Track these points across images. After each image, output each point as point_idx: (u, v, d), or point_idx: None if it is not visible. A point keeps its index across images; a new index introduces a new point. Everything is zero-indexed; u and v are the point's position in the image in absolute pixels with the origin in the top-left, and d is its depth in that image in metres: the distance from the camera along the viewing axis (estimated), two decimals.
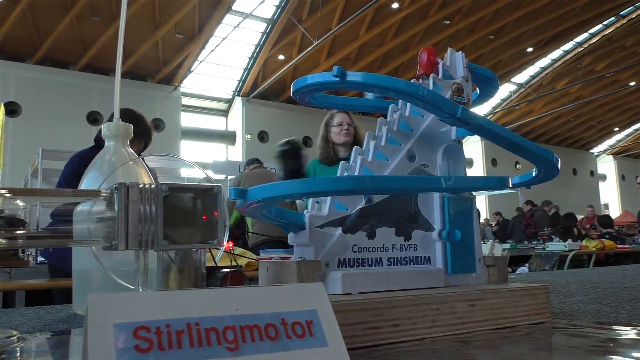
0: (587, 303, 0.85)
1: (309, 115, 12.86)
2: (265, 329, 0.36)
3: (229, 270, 0.59)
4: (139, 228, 0.46)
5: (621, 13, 14.80)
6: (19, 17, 9.97)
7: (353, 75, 0.55)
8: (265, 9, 11.73)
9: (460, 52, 0.71)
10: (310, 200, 0.61)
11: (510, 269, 2.14)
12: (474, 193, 0.69)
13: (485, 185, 0.67)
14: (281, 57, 12.82)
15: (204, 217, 0.50)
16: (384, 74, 0.61)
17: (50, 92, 11.10)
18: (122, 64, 0.76)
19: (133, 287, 0.49)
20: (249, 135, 13.92)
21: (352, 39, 12.65)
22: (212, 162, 8.81)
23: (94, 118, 11.24)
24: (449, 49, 0.72)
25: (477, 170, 17.07)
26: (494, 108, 17.03)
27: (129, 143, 0.77)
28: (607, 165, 22.79)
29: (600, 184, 22.34)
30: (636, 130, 21.93)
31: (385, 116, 0.68)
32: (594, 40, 15.57)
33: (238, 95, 14.03)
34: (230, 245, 0.67)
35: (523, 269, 5.34)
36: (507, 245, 6.52)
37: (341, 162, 0.65)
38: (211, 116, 14.40)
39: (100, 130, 0.76)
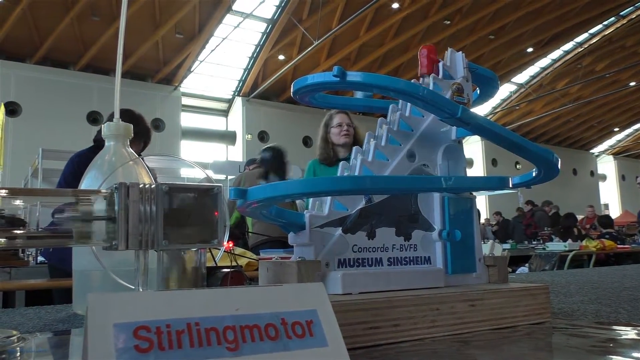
0: (587, 303, 0.85)
1: (309, 115, 12.86)
2: (265, 329, 0.36)
3: (229, 270, 0.59)
4: (139, 228, 0.46)
5: (621, 13, 14.80)
6: (19, 17, 9.97)
7: (353, 76, 0.55)
8: (266, 9, 11.73)
9: (461, 52, 0.71)
10: (311, 200, 0.61)
11: (510, 269, 2.13)
12: (474, 193, 0.69)
13: (486, 185, 0.67)
14: (281, 57, 12.82)
15: (204, 217, 0.50)
16: (384, 74, 0.61)
17: (51, 92, 11.10)
18: (122, 64, 0.76)
19: (133, 287, 0.49)
20: (249, 135, 13.92)
21: (352, 39, 12.65)
22: (212, 162, 8.82)
23: (94, 118, 11.24)
24: (449, 49, 0.72)
25: (477, 170, 17.07)
26: (494, 108, 17.03)
27: (129, 143, 0.77)
28: (607, 166, 22.78)
29: (601, 184, 22.33)
30: (636, 130, 21.93)
31: (385, 116, 0.68)
32: (594, 41, 15.57)
33: (238, 95, 14.04)
34: (231, 245, 0.67)
35: (523, 269, 5.34)
36: (507, 245, 6.52)
37: (341, 162, 0.65)
38: (211, 116, 14.40)
39: (99, 131, 0.76)
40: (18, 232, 0.46)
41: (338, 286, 0.54)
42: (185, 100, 13.54)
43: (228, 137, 14.25)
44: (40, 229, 0.48)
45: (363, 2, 9.95)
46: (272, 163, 3.31)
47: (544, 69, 16.63)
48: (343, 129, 2.80)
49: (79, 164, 2.27)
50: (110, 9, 10.21)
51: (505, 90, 16.82)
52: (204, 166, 0.67)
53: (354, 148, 0.65)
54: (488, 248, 2.86)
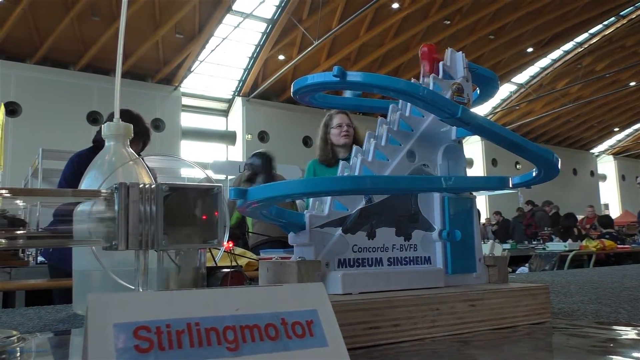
0: (587, 303, 0.85)
1: (309, 115, 12.86)
2: (265, 329, 0.36)
3: (229, 270, 0.59)
4: (139, 228, 0.46)
5: (621, 13, 14.80)
6: (19, 17, 9.97)
7: (353, 76, 0.55)
8: (266, 9, 11.73)
9: (461, 52, 0.71)
10: (311, 200, 0.61)
11: (510, 269, 2.13)
12: (474, 193, 0.69)
13: (486, 185, 0.66)
14: (281, 57, 12.82)
15: (204, 217, 0.50)
16: (384, 74, 0.61)
17: (51, 92, 11.10)
18: (122, 64, 0.76)
19: (133, 287, 0.49)
20: (249, 135, 13.92)
21: (352, 39, 12.66)
22: (212, 162, 8.81)
23: (94, 118, 11.25)
24: (449, 49, 0.72)
25: (477, 170, 17.07)
26: (494, 108, 17.03)
27: (129, 143, 0.77)
28: (607, 166, 22.79)
29: (601, 184, 22.34)
30: (636, 130, 21.93)
31: (385, 116, 0.68)
32: (594, 41, 15.57)
33: (238, 95, 14.04)
34: (231, 245, 0.67)
35: (523, 269, 5.34)
36: (507, 245, 6.52)
37: (341, 162, 0.65)
38: (211, 116, 14.40)
39: (98, 132, 0.76)
40: (18, 232, 0.46)
41: (338, 286, 0.54)
42: (185, 100, 13.54)
43: (228, 137, 14.25)
44: (40, 229, 0.48)
45: (363, 2, 9.95)
46: (261, 169, 3.34)
47: (544, 69, 16.63)
48: (343, 129, 2.79)
49: (79, 164, 2.27)
50: (110, 9, 10.22)
51: (505, 90, 16.83)
52: (204, 166, 0.67)
53: (354, 148, 0.65)
54: (488, 248, 2.86)
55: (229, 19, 11.57)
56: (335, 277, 0.55)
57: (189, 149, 13.48)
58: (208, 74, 13.32)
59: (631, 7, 14.41)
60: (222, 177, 7.65)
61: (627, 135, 22.42)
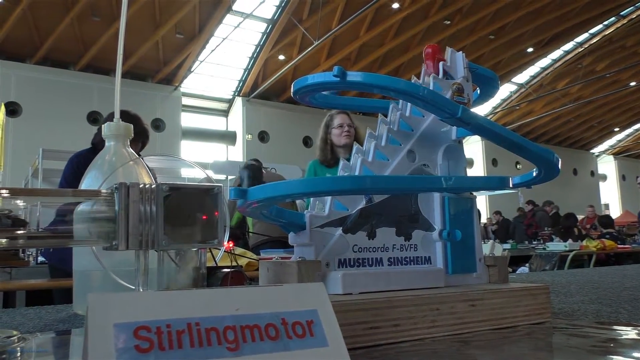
0: (587, 303, 0.85)
1: (309, 115, 12.86)
2: (265, 329, 0.36)
3: (229, 270, 0.59)
4: (140, 228, 0.46)
5: (622, 13, 14.80)
6: (19, 18, 9.97)
7: (353, 76, 0.55)
8: (266, 9, 11.73)
9: (461, 52, 0.71)
10: (311, 200, 0.61)
11: (510, 269, 2.13)
12: (475, 193, 0.69)
13: (486, 185, 0.66)
14: (281, 57, 12.82)
15: (204, 217, 0.50)
16: (384, 74, 0.61)
17: (51, 92, 11.11)
18: (122, 64, 0.76)
19: (133, 287, 0.49)
20: (249, 136, 13.93)
21: (352, 39, 12.66)
22: (212, 162, 8.81)
23: (94, 118, 11.25)
24: (450, 49, 0.72)
25: (477, 170, 17.07)
26: (495, 108, 17.03)
27: (129, 143, 0.77)
28: (607, 166, 22.79)
29: (601, 184, 22.34)
30: (637, 130, 21.93)
31: (385, 116, 0.68)
32: (595, 41, 15.57)
33: (238, 95, 14.04)
34: (231, 245, 0.67)
35: (523, 269, 5.34)
36: (507, 245, 6.52)
37: (341, 162, 0.65)
38: (211, 116, 14.41)
39: (96, 134, 0.76)
40: (19, 232, 0.46)
41: (338, 286, 0.54)
42: (186, 101, 13.54)
43: (228, 137, 14.26)
44: (40, 229, 0.48)
45: (363, 2, 9.95)
46: (247, 183, 3.32)
47: (544, 69, 16.63)
48: (344, 129, 2.77)
49: (79, 164, 2.27)
50: (111, 9, 10.22)
51: (505, 90, 16.83)
52: (204, 166, 0.67)
53: (354, 147, 0.65)
54: (488, 248, 2.86)
55: (229, 19, 11.58)
56: (336, 277, 0.55)
57: (189, 149, 13.48)
58: (208, 74, 13.32)
59: (631, 7, 14.41)
60: (222, 177, 7.65)
61: (628, 135, 22.42)
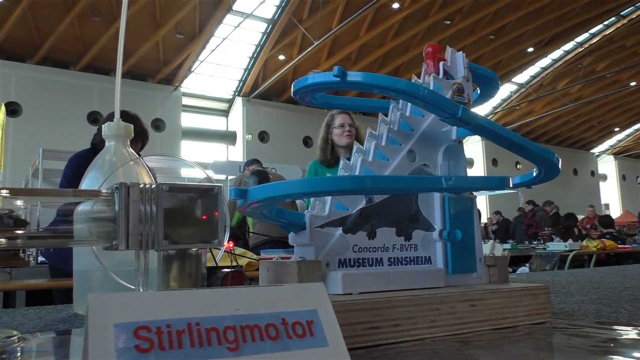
0: (587, 303, 0.85)
1: (309, 115, 12.86)
2: (265, 329, 0.36)
3: (229, 270, 0.59)
4: (140, 228, 0.46)
5: (622, 13, 14.79)
6: (19, 18, 9.97)
7: (353, 75, 0.55)
8: (266, 9, 11.73)
9: (461, 52, 0.71)
10: (311, 200, 0.61)
11: (510, 269, 2.13)
12: (475, 193, 0.69)
13: (486, 185, 0.66)
14: (282, 57, 12.82)
15: (204, 217, 0.50)
16: (384, 74, 0.61)
17: (51, 92, 11.11)
18: (122, 64, 0.76)
19: (133, 287, 0.49)
20: (249, 136, 13.93)
21: (352, 39, 12.65)
22: (212, 162, 8.81)
23: (94, 118, 11.25)
24: (450, 49, 0.72)
25: (477, 170, 17.07)
26: (495, 108, 17.02)
27: (129, 143, 0.77)
28: (607, 165, 22.78)
29: (601, 184, 22.33)
30: (637, 130, 21.92)
31: (385, 116, 0.68)
32: (595, 41, 15.57)
33: (238, 95, 14.04)
34: (231, 245, 0.67)
35: (524, 269, 5.34)
36: (507, 245, 6.52)
37: (341, 162, 0.65)
38: (212, 116, 14.41)
39: (95, 134, 0.76)
40: (19, 232, 0.46)
41: (338, 286, 0.54)
42: (186, 101, 13.54)
43: (228, 137, 14.26)
44: (40, 229, 0.48)
45: (363, 2, 9.95)
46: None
47: (544, 69, 16.63)
48: (345, 129, 2.76)
49: (79, 164, 2.28)
50: (111, 9, 10.22)
51: (505, 90, 16.83)
52: (204, 166, 0.67)
53: (354, 147, 0.65)
54: (488, 248, 2.86)
55: (229, 19, 11.58)
56: (336, 277, 0.55)
57: (189, 149, 13.48)
58: (208, 74, 13.32)
59: (631, 7, 14.40)
60: (222, 177, 7.66)
61: (628, 135, 22.41)
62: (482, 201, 15.60)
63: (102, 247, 0.48)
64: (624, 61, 15.80)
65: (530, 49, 15.08)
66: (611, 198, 22.13)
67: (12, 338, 0.51)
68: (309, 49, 11.34)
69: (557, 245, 5.96)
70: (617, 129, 21.50)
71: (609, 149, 22.92)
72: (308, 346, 0.36)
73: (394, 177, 0.62)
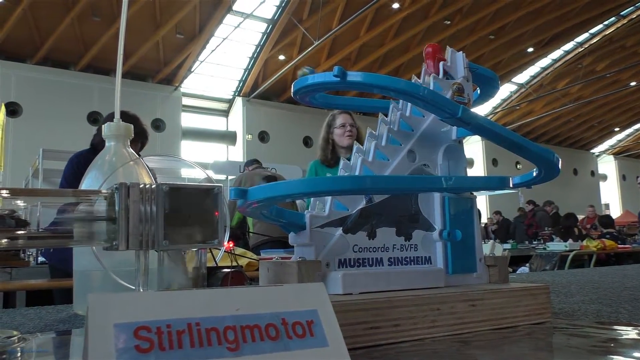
0: (587, 303, 0.85)
1: (310, 115, 12.86)
2: (265, 329, 0.36)
3: (229, 270, 0.59)
4: (140, 228, 0.46)
5: (622, 13, 14.79)
6: (19, 18, 9.97)
7: (353, 76, 0.55)
8: (266, 9, 11.73)
9: (461, 52, 0.71)
10: (312, 200, 0.61)
11: (511, 269, 2.13)
12: (475, 193, 0.69)
13: (486, 185, 0.66)
14: (282, 57, 12.82)
15: (204, 218, 0.50)
16: (384, 74, 0.61)
17: (51, 93, 11.11)
18: (122, 65, 0.76)
19: (134, 288, 0.49)
20: (249, 136, 13.92)
21: (352, 39, 12.65)
22: (212, 162, 8.81)
23: (94, 118, 11.24)
24: (450, 49, 0.72)
25: (477, 170, 17.07)
26: (495, 108, 17.02)
27: (129, 143, 0.77)
28: (607, 165, 22.78)
29: (601, 184, 22.33)
30: (637, 130, 21.92)
31: (385, 116, 0.68)
32: (595, 41, 15.56)
33: (238, 95, 14.04)
34: (231, 245, 0.67)
35: (524, 269, 5.34)
36: (507, 245, 6.52)
37: (342, 162, 0.65)
38: (212, 116, 14.40)
39: (95, 134, 0.76)
40: (19, 232, 0.46)
41: (338, 286, 0.54)
42: (186, 101, 13.54)
43: (228, 138, 14.25)
44: (41, 229, 0.48)
45: (363, 2, 9.95)
46: None
47: (544, 68, 16.63)
48: (346, 129, 2.75)
49: (79, 164, 2.28)
50: (111, 9, 10.22)
51: (505, 90, 16.82)
52: (204, 166, 0.67)
53: (354, 147, 0.65)
54: (488, 248, 2.86)
55: (230, 19, 11.57)
56: (336, 277, 0.55)
57: (189, 149, 13.48)
58: (208, 74, 13.32)
59: (631, 7, 14.40)
60: (222, 177, 7.66)
61: (628, 135, 22.41)
62: (482, 201, 15.60)
63: (102, 247, 0.48)
64: (624, 61, 15.80)
65: (530, 49, 15.08)
66: (611, 198, 22.13)
67: (12, 338, 0.51)
68: (309, 49, 11.34)
69: (557, 245, 5.96)
70: (617, 129, 21.50)
71: (609, 149, 22.92)
72: (308, 346, 0.36)
73: (394, 177, 0.62)
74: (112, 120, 0.76)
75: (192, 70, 12.68)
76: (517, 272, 4.59)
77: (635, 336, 0.57)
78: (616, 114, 19.56)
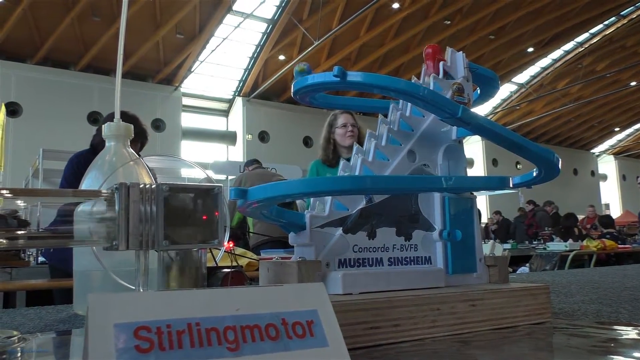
0: (587, 303, 0.85)
1: (310, 115, 12.86)
2: (265, 329, 0.36)
3: (229, 270, 0.59)
4: (140, 228, 0.46)
5: (622, 13, 14.79)
6: (19, 18, 9.97)
7: (353, 76, 0.55)
8: (266, 9, 11.73)
9: (461, 52, 0.71)
10: (312, 200, 0.61)
11: (511, 269, 2.13)
12: (475, 193, 0.69)
13: (486, 185, 0.67)
14: (282, 57, 12.82)
15: (204, 217, 0.50)
16: (384, 74, 0.61)
17: (51, 93, 11.11)
18: (122, 65, 0.76)
19: (134, 288, 0.49)
20: (249, 136, 13.93)
21: (352, 39, 12.65)
22: (212, 163, 8.82)
23: (94, 118, 11.24)
24: (450, 49, 0.72)
25: (477, 170, 17.07)
26: (495, 108, 17.02)
27: (129, 144, 0.77)
28: (607, 165, 22.78)
29: (601, 184, 22.33)
30: (637, 130, 21.92)
31: (385, 116, 0.68)
32: (595, 40, 15.56)
33: (238, 95, 14.04)
34: (231, 245, 0.67)
35: (524, 269, 5.34)
36: (507, 245, 6.52)
37: (342, 162, 0.65)
38: (212, 116, 14.40)
39: (95, 135, 0.76)
40: (19, 232, 0.46)
41: (338, 286, 0.54)
42: (186, 101, 13.54)
43: (228, 138, 14.26)
44: (41, 230, 0.48)
45: (363, 2, 9.95)
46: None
47: (544, 68, 16.63)
48: (348, 129, 2.75)
49: (79, 164, 2.28)
50: (111, 9, 10.22)
51: (505, 90, 16.82)
52: (204, 166, 0.67)
53: (355, 147, 0.65)
54: (489, 248, 2.86)
55: (230, 19, 11.57)
56: (336, 277, 0.55)
57: (189, 149, 13.48)
58: (208, 74, 13.32)
59: (632, 7, 14.40)
60: (222, 177, 7.66)
61: (628, 135, 22.41)
62: (482, 201, 15.59)
63: (102, 247, 0.48)
64: (624, 61, 15.79)
65: (531, 49, 15.08)
66: (611, 198, 22.12)
67: (12, 338, 0.51)
68: (309, 49, 11.34)
69: (557, 245, 5.96)
70: (617, 129, 21.49)
71: (609, 149, 22.92)
72: (308, 346, 0.36)
73: (394, 177, 0.62)
74: (111, 121, 0.76)
75: (192, 70, 12.68)
76: (517, 272, 4.59)
77: (635, 336, 0.57)
78: (616, 114, 19.55)
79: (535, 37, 14.42)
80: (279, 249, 2.38)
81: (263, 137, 14.11)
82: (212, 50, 12.11)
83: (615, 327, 0.63)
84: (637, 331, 0.58)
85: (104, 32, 10.55)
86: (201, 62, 12.52)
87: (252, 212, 0.55)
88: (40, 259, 3.56)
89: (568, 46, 15.88)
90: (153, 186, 0.48)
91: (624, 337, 0.57)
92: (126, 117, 2.16)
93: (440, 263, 0.64)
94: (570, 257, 5.27)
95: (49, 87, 11.12)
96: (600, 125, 20.29)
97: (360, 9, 10.19)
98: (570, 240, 6.23)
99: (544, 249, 6.01)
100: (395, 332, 0.51)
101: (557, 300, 0.88)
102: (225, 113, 14.53)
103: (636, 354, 0.49)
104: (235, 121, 14.21)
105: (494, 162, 17.71)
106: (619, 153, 22.93)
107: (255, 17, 11.81)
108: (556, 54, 16.19)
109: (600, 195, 21.85)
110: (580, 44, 15.78)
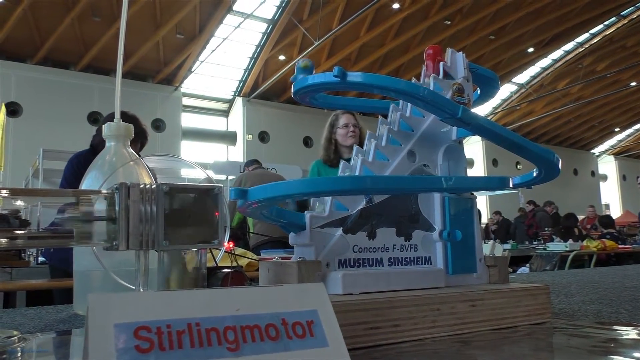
0: (588, 303, 0.85)
1: (310, 115, 12.86)
2: (265, 329, 0.36)
3: (229, 270, 0.59)
4: (140, 228, 0.46)
5: (622, 13, 14.79)
6: (20, 18, 9.97)
7: (353, 76, 0.55)
8: (266, 9, 11.73)
9: (461, 52, 0.71)
10: (312, 201, 0.61)
11: (511, 269, 2.13)
12: (475, 193, 0.69)
13: (486, 185, 0.67)
14: (282, 57, 12.82)
15: (204, 218, 0.50)
16: (384, 74, 0.61)
17: (51, 93, 11.11)
18: (123, 65, 0.76)
19: (134, 288, 0.49)
20: (249, 136, 13.93)
21: (352, 40, 12.65)
22: (212, 163, 8.81)
23: (94, 118, 11.24)
24: (450, 50, 0.72)
25: (477, 170, 17.06)
26: (495, 108, 17.02)
27: (129, 144, 0.77)
28: (608, 166, 22.77)
29: (601, 184, 22.32)
30: (637, 130, 21.92)
31: (386, 116, 0.68)
32: (595, 41, 15.56)
33: (239, 95, 14.04)
34: (231, 245, 0.67)
35: (524, 269, 5.34)
36: (508, 246, 6.52)
37: (342, 162, 0.65)
38: (212, 116, 14.40)
39: (95, 135, 0.76)
40: (19, 232, 0.46)
41: (338, 286, 0.54)
42: (186, 101, 13.54)
43: (228, 138, 14.26)
44: (41, 229, 0.48)
45: (363, 3, 9.95)
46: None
47: (544, 69, 16.62)
48: (349, 129, 2.76)
49: (79, 164, 2.28)
50: (111, 9, 10.22)
51: (505, 90, 16.82)
52: (204, 166, 0.67)
53: (355, 148, 0.65)
54: (489, 248, 2.85)
55: (230, 20, 11.57)
56: (336, 277, 0.55)
57: (189, 149, 13.48)
58: (208, 74, 13.32)
59: (632, 7, 14.40)
60: (222, 177, 7.66)
61: (628, 135, 22.41)
62: (482, 201, 15.59)
63: (102, 247, 0.48)
64: (625, 61, 15.80)
65: (531, 49, 15.08)
66: (611, 198, 22.12)
67: (12, 338, 0.51)
68: (309, 49, 11.34)
69: (557, 246, 5.96)
70: (617, 129, 21.49)
71: (609, 149, 22.91)
72: (308, 346, 0.36)
73: (394, 177, 0.62)
74: (111, 121, 0.76)
75: (192, 70, 12.68)
76: (517, 272, 4.59)
77: (635, 336, 0.57)
78: (616, 114, 19.55)
79: (535, 37, 14.42)
80: (279, 249, 2.37)
81: (263, 137, 14.11)
82: (212, 51, 12.11)
83: (615, 327, 0.63)
84: (637, 331, 0.58)
85: (104, 32, 10.55)
86: (201, 62, 12.52)
87: (252, 213, 0.55)
88: (40, 259, 3.56)
89: (568, 46, 15.88)
90: (153, 186, 0.48)
91: (624, 337, 0.57)
92: (126, 117, 2.16)
93: (440, 263, 0.64)
94: (570, 258, 5.27)
95: (49, 87, 11.12)
96: (600, 125, 20.29)
97: (360, 9, 10.19)
98: (571, 241, 6.23)
99: (544, 249, 6.01)
100: (395, 333, 0.51)
101: (557, 301, 0.88)
102: (226, 113, 14.53)
103: (636, 354, 0.49)
104: (236, 121, 14.20)
105: (494, 162, 17.71)
106: (619, 153, 22.93)
107: (256, 17, 11.81)
108: (556, 54, 16.18)
109: (601, 195, 21.84)
110: (581, 44, 15.78)
